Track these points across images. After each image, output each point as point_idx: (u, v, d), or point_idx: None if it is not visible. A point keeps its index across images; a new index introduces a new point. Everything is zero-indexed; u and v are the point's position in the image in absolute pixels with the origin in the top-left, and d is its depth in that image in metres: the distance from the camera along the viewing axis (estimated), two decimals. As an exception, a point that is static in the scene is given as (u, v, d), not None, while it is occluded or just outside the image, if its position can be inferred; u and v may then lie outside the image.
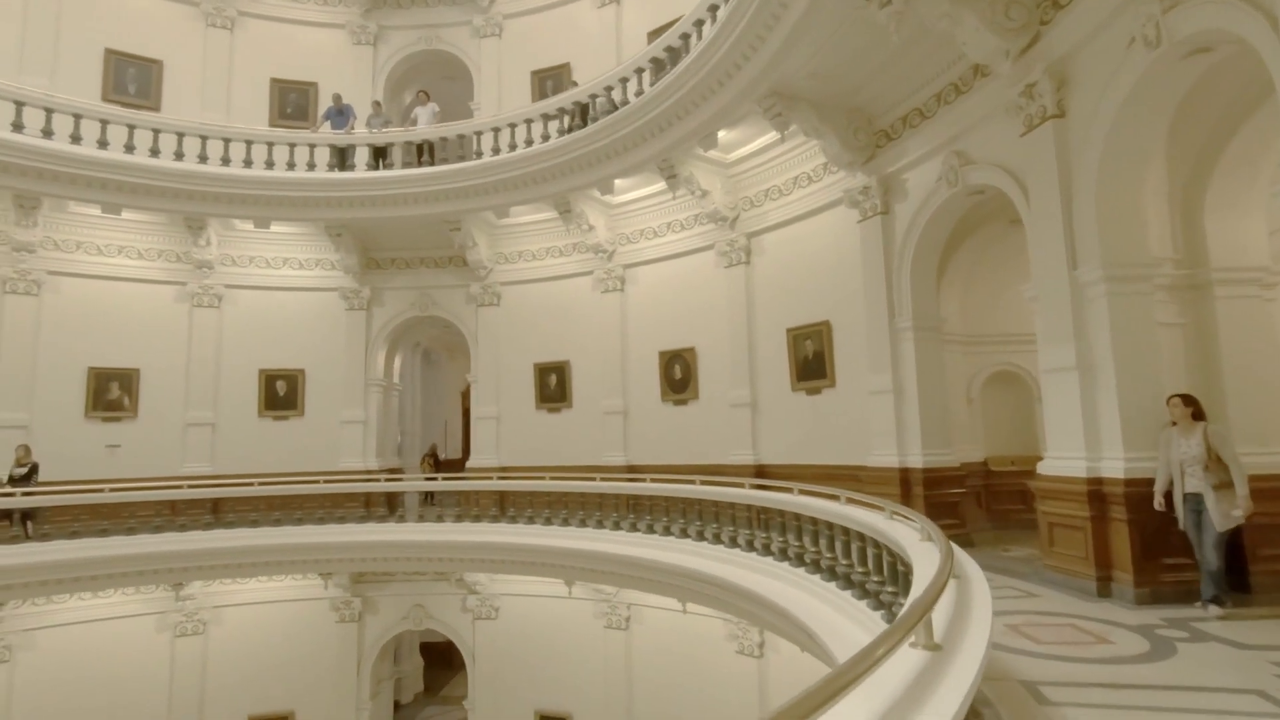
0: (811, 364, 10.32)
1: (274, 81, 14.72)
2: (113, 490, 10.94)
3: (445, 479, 12.55)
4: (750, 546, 7.87)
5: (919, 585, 3.29)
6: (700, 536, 8.78)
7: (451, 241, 13.43)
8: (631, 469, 12.59)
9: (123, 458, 12.79)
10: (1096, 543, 5.84)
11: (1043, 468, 6.62)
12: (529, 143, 11.70)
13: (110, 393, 12.89)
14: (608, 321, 13.21)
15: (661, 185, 11.68)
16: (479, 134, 12.24)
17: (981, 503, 9.96)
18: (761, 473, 10.89)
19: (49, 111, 11.05)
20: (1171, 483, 5.43)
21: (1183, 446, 5.36)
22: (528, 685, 12.87)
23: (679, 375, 12.36)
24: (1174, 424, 5.50)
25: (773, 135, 10.16)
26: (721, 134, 10.01)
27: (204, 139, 12.13)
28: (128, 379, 13.04)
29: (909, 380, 8.71)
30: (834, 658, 4.92)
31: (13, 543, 10.08)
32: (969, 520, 8.96)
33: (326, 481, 12.06)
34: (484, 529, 11.30)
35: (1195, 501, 5.28)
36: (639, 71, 10.46)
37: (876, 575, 5.35)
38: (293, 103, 14.70)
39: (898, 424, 8.73)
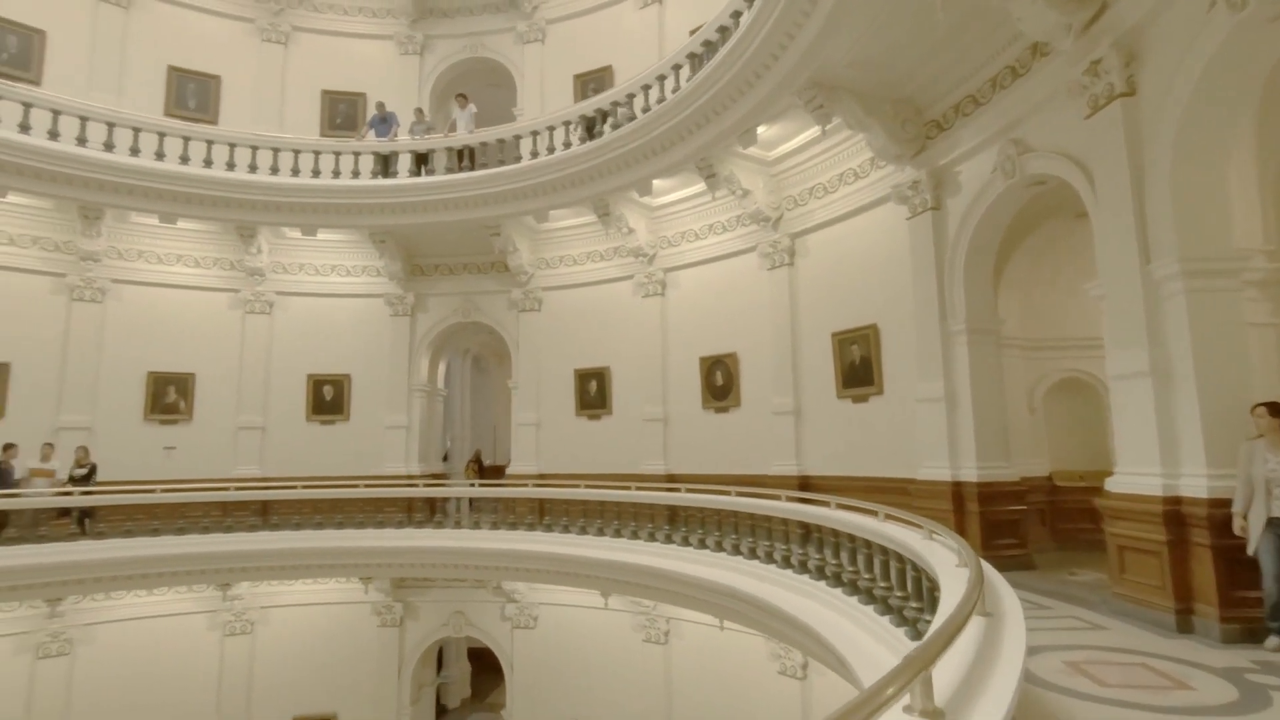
0: (858, 370, 9.77)
1: (325, 93, 15.06)
2: (164, 491, 11.23)
3: (480, 485, 12.45)
4: (788, 563, 7.40)
5: (936, 624, 2.83)
6: (737, 551, 8.35)
7: (493, 247, 13.40)
8: (671, 478, 12.22)
9: (178, 459, 13.19)
10: (1175, 570, 5.19)
11: (1112, 484, 5.97)
12: (567, 145, 11.54)
13: (167, 396, 13.33)
14: (648, 326, 12.92)
15: (702, 186, 11.34)
16: (518, 138, 12.16)
17: (1046, 520, 9.22)
18: (805, 485, 10.38)
19: (110, 125, 11.52)
20: (1252, 502, 4.75)
21: (1270, 463, 4.69)
22: (565, 696, 12.62)
23: (720, 382, 11.95)
24: (1260, 436, 4.82)
25: (815, 130, 9.70)
26: (762, 130, 9.62)
27: (254, 149, 12.45)
28: (184, 383, 13.47)
29: (962, 387, 8.10)
30: (864, 687, 4.44)
31: (70, 540, 10.43)
32: (1031, 540, 8.26)
33: (366, 486, 12.12)
34: (518, 537, 11.12)
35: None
36: (676, 69, 10.16)
37: (915, 601, 4.86)
38: (342, 113, 15.00)
39: (950, 434, 8.12)
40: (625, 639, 12.10)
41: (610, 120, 11.19)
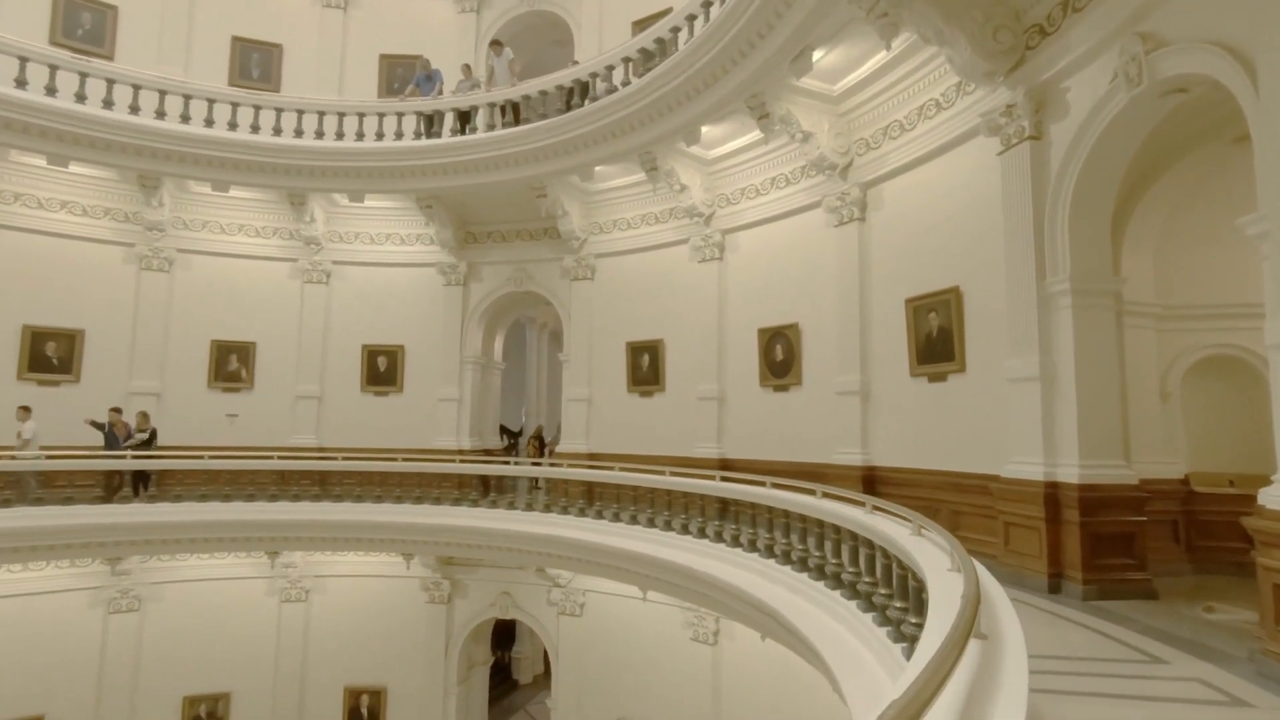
0: (936, 343, 8.12)
1: (383, 57, 14.70)
2: (212, 457, 11.30)
3: (515, 464, 11.75)
4: (837, 582, 5.79)
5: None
6: (787, 559, 6.89)
7: (541, 210, 12.55)
8: (725, 464, 11.00)
9: (240, 427, 13.39)
10: (1365, 632, 3.51)
11: (1270, 498, 4.26)
12: (611, 91, 10.41)
13: (230, 364, 13.54)
14: (704, 295, 11.65)
15: (759, 134, 9.92)
16: (560, 88, 11.16)
17: (1179, 536, 7.29)
18: (870, 478, 8.90)
19: (162, 93, 11.57)
20: None
21: None
22: (610, 689, 11.82)
23: (780, 357, 10.54)
24: None
25: (884, 54, 8.05)
26: (818, 56, 8.10)
27: (300, 113, 12.21)
28: (245, 352, 13.63)
29: (1064, 362, 6.38)
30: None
31: (123, 502, 10.66)
32: (1155, 560, 6.46)
33: (405, 459, 11.71)
34: (555, 521, 10.32)
35: None
36: (724, -6, 8.75)
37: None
38: (400, 77, 14.55)
39: (1045, 422, 6.44)
40: (673, 635, 11.10)
41: (656, 60, 9.94)
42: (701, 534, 8.25)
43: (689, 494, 8.89)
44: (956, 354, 7.84)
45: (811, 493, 6.29)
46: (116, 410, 11.57)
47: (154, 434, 11.57)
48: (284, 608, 13.12)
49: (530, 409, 22.41)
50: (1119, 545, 6.05)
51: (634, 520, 9.35)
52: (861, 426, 9.11)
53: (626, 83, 10.22)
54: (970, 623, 2.03)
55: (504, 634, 16.94)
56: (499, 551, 11.02)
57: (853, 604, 5.13)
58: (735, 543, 7.66)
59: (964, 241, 7.81)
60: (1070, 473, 6.17)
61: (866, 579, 5.06)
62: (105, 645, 12.05)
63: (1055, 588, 6.10)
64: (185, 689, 12.49)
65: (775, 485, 7.08)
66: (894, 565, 4.50)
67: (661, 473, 9.11)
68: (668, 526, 8.80)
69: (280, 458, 11.57)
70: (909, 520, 4.49)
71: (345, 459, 11.76)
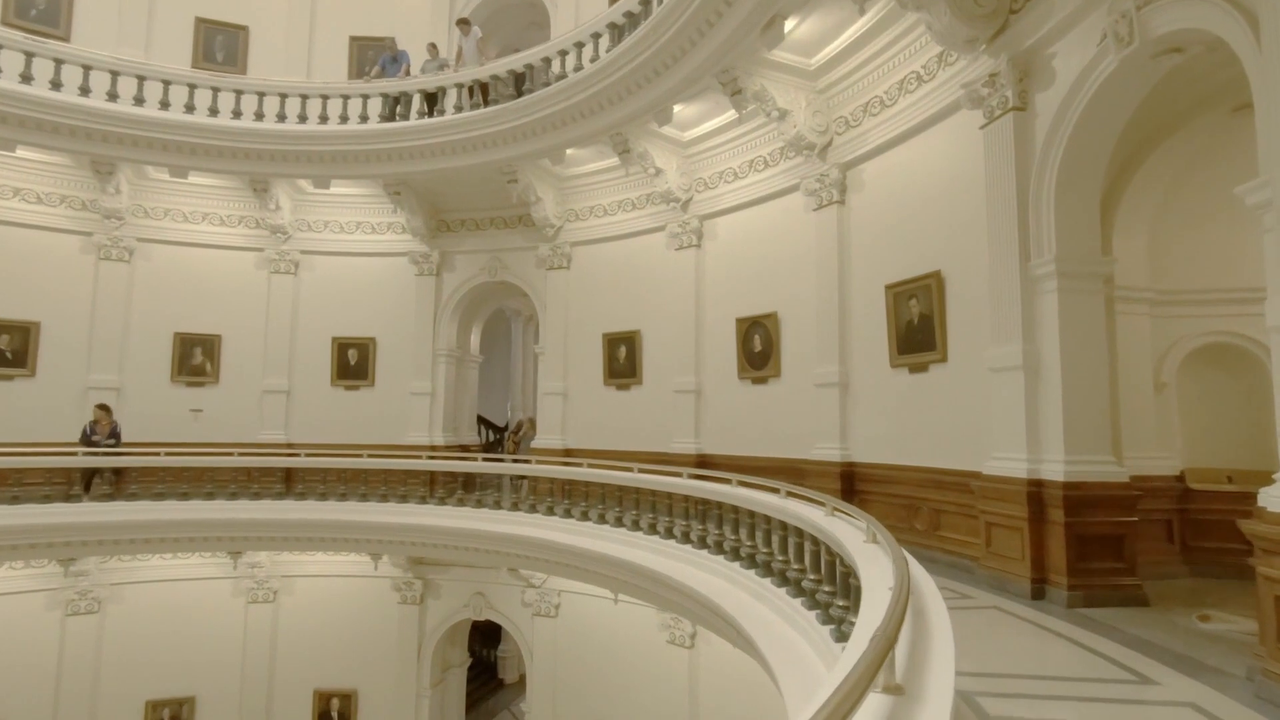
0: (917, 331, 7.65)
1: (353, 39, 14.16)
2: (168, 454, 10.82)
3: (484, 460, 11.28)
4: (798, 590, 5.31)
5: None
6: (752, 562, 6.31)
7: (517, 198, 12.05)
8: (702, 459, 10.55)
9: (206, 422, 12.93)
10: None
11: (1271, 499, 3.81)
12: (579, 69, 9.90)
13: (194, 358, 13.06)
14: (682, 284, 11.18)
15: (735, 114, 9.43)
16: (530, 67, 10.65)
17: (1173, 536, 6.84)
18: (850, 474, 8.45)
19: (114, 74, 11.06)
20: None
21: None
22: (586, 693, 11.40)
23: (758, 347, 10.07)
24: None
25: (860, 24, 7.56)
26: (791, 26, 7.60)
27: (261, 95, 11.70)
28: (210, 345, 13.15)
29: (1049, 350, 5.92)
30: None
31: (73, 501, 10.21)
32: (1148, 562, 6.02)
33: (370, 456, 11.25)
34: (523, 520, 9.83)
35: None
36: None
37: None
38: (370, 59, 13.98)
39: (1029, 415, 5.98)
40: (649, 638, 10.66)
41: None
42: (669, 534, 7.79)
43: (656, 492, 8.40)
44: (938, 342, 7.36)
45: (776, 491, 5.81)
46: (103, 408, 11.08)
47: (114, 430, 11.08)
48: (251, 609, 12.68)
49: (516, 403, 21.99)
50: (1107, 547, 5.60)
51: (602, 519, 8.89)
52: (840, 420, 8.64)
53: (595, 58, 9.71)
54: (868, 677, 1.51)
55: (490, 632, 16.53)
56: (467, 552, 10.54)
57: (813, 614, 4.66)
58: (702, 544, 7.19)
59: (946, 223, 7.33)
60: (1055, 469, 5.72)
61: (826, 587, 4.60)
62: (63, 648, 11.61)
63: (1039, 593, 5.65)
64: (148, 693, 12.05)
65: (742, 483, 6.61)
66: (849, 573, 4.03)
67: (630, 469, 8.64)
68: (635, 526, 8.34)
69: (240, 454, 11.10)
70: (861, 526, 4.03)
71: (308, 455, 11.29)
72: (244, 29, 13.87)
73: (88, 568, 11.69)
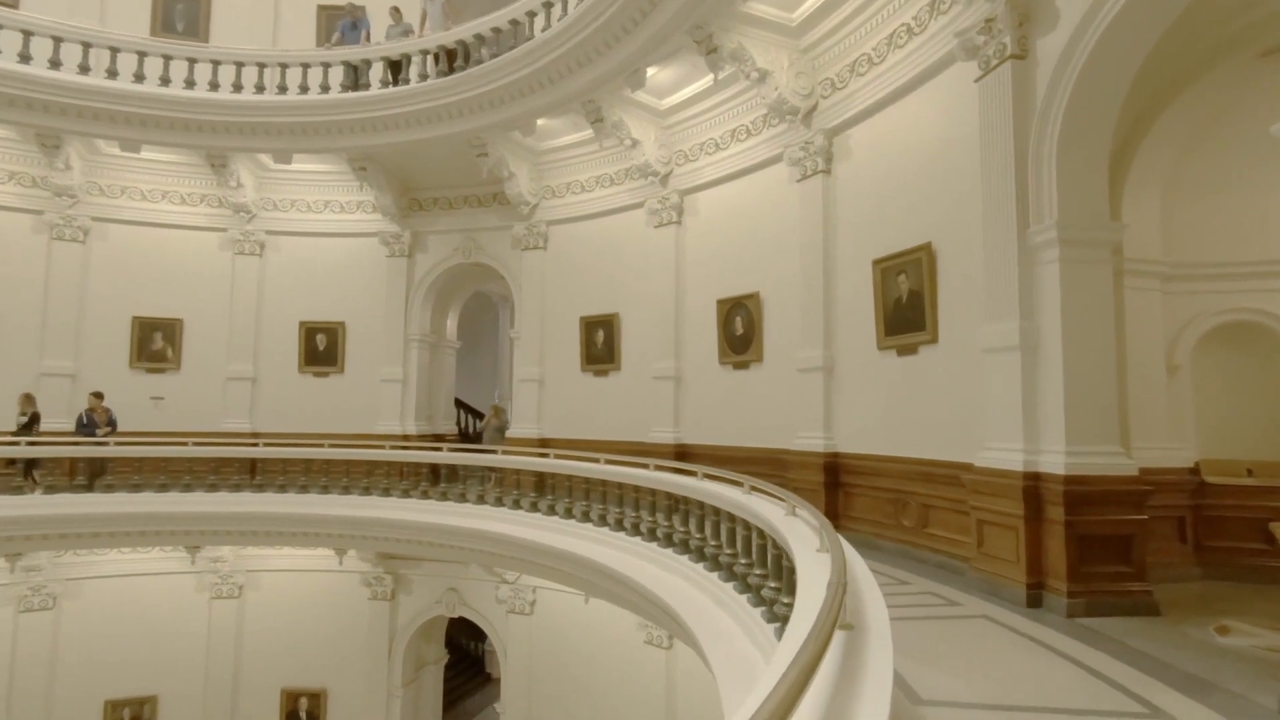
0: (906, 309, 6.99)
1: (321, 8, 13.47)
2: (117, 444, 10.26)
3: (450, 449, 10.64)
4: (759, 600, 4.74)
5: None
6: (714, 564, 5.72)
7: (488, 173, 11.38)
8: (681, 450, 9.95)
9: (167, 411, 12.36)
10: None
11: (1310, 498, 3.16)
12: (547, 30, 9.20)
13: (154, 343, 12.48)
14: (662, 263, 10.52)
15: (713, 80, 8.75)
16: (497, 31, 9.96)
17: (1186, 535, 6.20)
18: (834, 466, 7.83)
19: (58, 41, 10.39)
20: None
21: None
22: (562, 693, 10.87)
23: (740, 330, 9.43)
24: None
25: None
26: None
27: (215, 64, 11.04)
28: (171, 329, 12.57)
29: (1049, 329, 5.27)
30: None
31: (15, 494, 9.66)
32: (1155, 563, 5.39)
33: (331, 446, 10.63)
34: (489, 514, 9.23)
35: None
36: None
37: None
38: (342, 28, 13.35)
39: (1026, 401, 5.34)
40: (626, 638, 10.10)
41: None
42: (636, 531, 7.16)
43: (624, 485, 7.74)
44: (928, 322, 6.71)
45: (739, 485, 5.19)
46: (98, 395, 10.58)
47: (35, 417, 10.43)
48: (215, 604, 12.15)
49: (504, 391, 21.40)
50: (1113, 549, 4.97)
51: (569, 513, 8.28)
52: (824, 408, 8.00)
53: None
54: None
55: (477, 626, 16.01)
56: (434, 547, 9.97)
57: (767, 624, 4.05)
58: (668, 542, 6.57)
59: (938, 191, 6.66)
60: (1055, 461, 5.08)
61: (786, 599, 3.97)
62: (16, 647, 11.09)
63: (1036, 600, 5.03)
64: (107, 692, 11.56)
65: (708, 476, 6.00)
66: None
67: (597, 460, 8.02)
68: (603, 521, 7.73)
69: (195, 443, 10.51)
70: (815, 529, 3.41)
71: (266, 444, 10.71)
72: (205, -4, 13.18)
73: (40, 562, 11.16)
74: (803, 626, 1.72)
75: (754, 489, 5.07)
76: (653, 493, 6.87)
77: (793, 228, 8.60)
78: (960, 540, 6.03)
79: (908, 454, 6.90)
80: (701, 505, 5.65)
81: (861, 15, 7.38)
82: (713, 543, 5.62)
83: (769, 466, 8.47)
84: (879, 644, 1.78)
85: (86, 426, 10.47)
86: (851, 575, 2.54)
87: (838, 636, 1.68)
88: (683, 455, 9.76)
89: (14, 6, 11.75)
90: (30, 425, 10.07)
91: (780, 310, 8.87)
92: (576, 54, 8.62)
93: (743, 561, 4.88)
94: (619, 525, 7.44)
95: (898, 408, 7.11)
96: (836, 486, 7.77)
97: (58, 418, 11.44)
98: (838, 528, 7.68)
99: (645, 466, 7.14)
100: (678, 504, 6.58)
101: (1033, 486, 5.14)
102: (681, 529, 6.31)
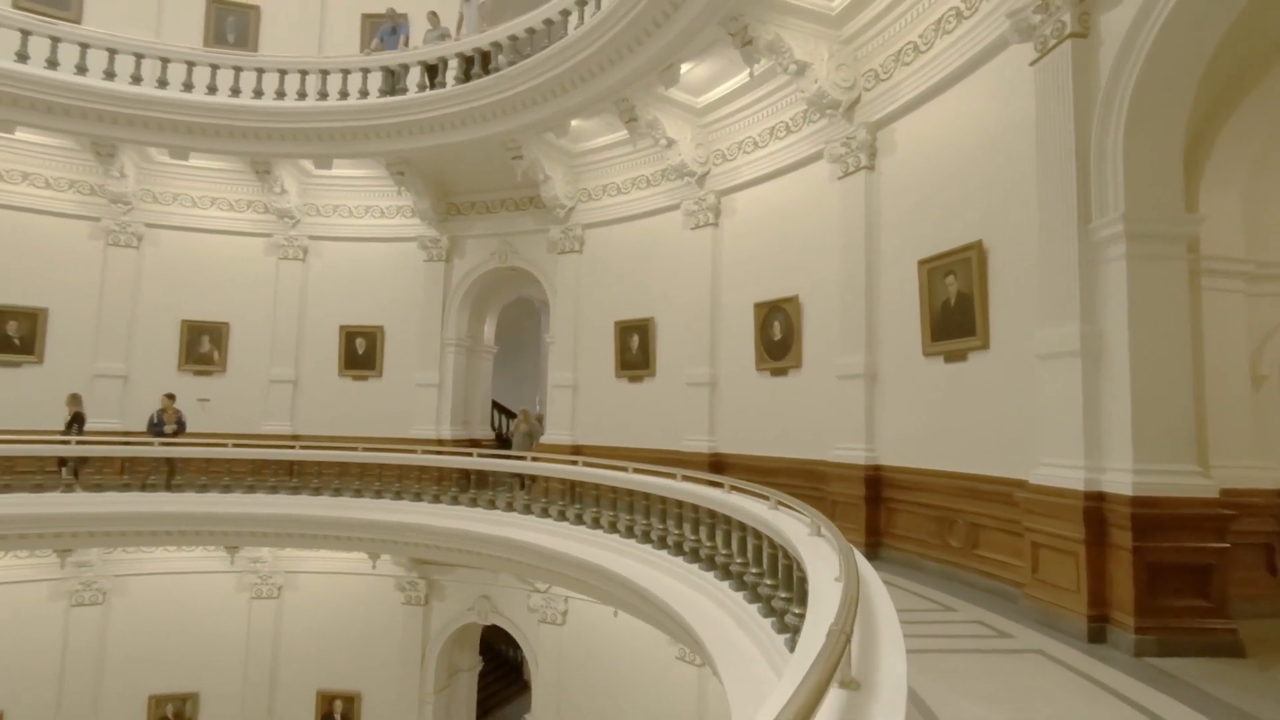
0: (954, 313, 6.51)
1: (365, 17, 13.64)
2: (161, 444, 10.45)
3: (480, 455, 10.50)
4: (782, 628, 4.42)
5: None
6: (741, 584, 5.37)
7: (524, 175, 11.27)
8: (716, 461, 9.59)
9: (211, 412, 12.61)
10: None
11: None
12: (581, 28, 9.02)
13: (201, 346, 12.77)
14: (698, 266, 10.20)
15: (752, 75, 8.41)
16: (531, 31, 9.83)
17: (1275, 564, 5.55)
18: (875, 480, 7.36)
19: (112, 53, 10.74)
20: None
21: None
22: (591, 707, 10.60)
23: (778, 335, 9.03)
24: None
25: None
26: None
27: (260, 72, 11.23)
28: (218, 333, 12.85)
29: (1115, 333, 4.75)
30: None
31: (67, 490, 9.92)
32: (1238, 596, 4.78)
33: (364, 450, 10.61)
34: (519, 522, 9.03)
35: None
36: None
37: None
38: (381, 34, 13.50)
39: (1088, 411, 4.83)
40: (657, 653, 9.78)
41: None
42: (662, 544, 6.84)
43: (650, 496, 7.41)
44: (978, 326, 6.22)
45: (765, 499, 4.83)
46: (170, 396, 10.94)
47: (78, 417, 10.68)
48: (254, 604, 12.32)
49: (544, 397, 21.34)
50: (1189, 580, 4.43)
51: (596, 523, 8.01)
52: (866, 417, 7.54)
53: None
54: None
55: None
56: (464, 554, 9.84)
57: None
58: (695, 556, 6.22)
59: (989, 185, 6.18)
60: (1121, 480, 4.56)
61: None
62: (67, 640, 11.43)
63: (1098, 635, 4.52)
64: (151, 687, 11.81)
65: (734, 488, 5.65)
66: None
67: (625, 469, 7.72)
68: (630, 533, 7.43)
69: (235, 445, 10.65)
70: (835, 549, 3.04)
71: (303, 448, 10.78)
72: (255, 9, 13.52)
73: (90, 558, 11.49)
74: (789, 683, 1.40)
75: (780, 504, 4.70)
76: (679, 504, 6.54)
77: (833, 227, 8.17)
78: (1013, 564, 5.52)
79: (955, 468, 6.40)
80: (728, 520, 5.30)
81: (907, 1, 6.95)
82: (739, 560, 5.26)
83: (807, 479, 8.06)
84: (886, 711, 1.44)
85: (157, 425, 10.72)
86: (868, 611, 2.18)
87: (834, 696, 1.36)
88: (717, 465, 9.40)
89: (77, 21, 12.25)
90: (72, 425, 10.33)
91: (820, 314, 8.44)
92: (608, 50, 8.41)
93: (768, 583, 4.52)
94: (645, 537, 7.14)
95: (944, 418, 6.61)
96: (878, 501, 7.30)
97: (109, 418, 11.82)
98: (880, 546, 7.24)
99: (673, 477, 6.81)
100: (705, 517, 6.25)
101: (1095, 508, 4.63)
102: (709, 544, 5.96)
